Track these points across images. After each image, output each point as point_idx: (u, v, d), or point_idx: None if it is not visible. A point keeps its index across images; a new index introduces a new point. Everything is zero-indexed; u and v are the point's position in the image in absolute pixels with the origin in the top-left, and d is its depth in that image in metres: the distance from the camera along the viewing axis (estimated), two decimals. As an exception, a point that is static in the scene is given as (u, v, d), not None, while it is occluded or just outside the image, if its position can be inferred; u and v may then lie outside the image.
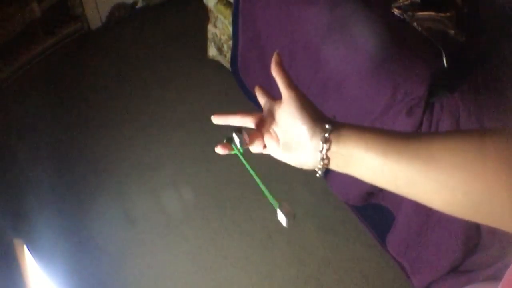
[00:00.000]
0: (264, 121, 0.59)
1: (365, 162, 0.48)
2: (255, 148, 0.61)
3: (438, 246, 1.31)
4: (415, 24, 1.27)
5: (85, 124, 1.97)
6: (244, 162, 0.60)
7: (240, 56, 1.86)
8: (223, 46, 2.04)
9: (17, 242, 1.35)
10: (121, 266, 1.58)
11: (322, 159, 0.51)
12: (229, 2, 1.84)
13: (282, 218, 0.59)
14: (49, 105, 2.02)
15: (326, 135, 0.50)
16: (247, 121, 0.61)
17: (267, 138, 0.58)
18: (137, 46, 2.31)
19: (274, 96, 0.60)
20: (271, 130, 0.58)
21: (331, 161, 0.51)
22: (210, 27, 2.04)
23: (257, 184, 0.61)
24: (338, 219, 1.71)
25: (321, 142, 0.50)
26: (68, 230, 1.64)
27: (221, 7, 1.89)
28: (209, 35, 2.08)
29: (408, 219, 1.35)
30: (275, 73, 0.56)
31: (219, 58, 2.12)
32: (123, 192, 1.76)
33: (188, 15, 2.42)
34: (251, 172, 0.61)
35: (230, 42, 1.92)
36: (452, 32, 1.25)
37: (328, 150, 0.50)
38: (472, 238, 1.23)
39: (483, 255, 1.27)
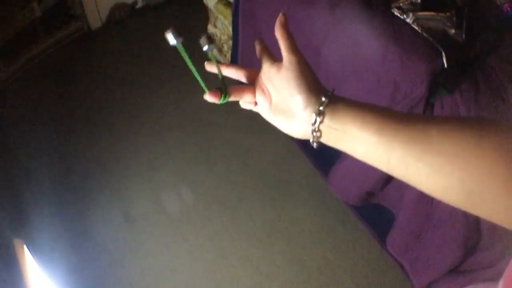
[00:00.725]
0: (259, 78, 0.56)
1: (358, 139, 0.47)
2: (245, 103, 0.58)
3: (438, 246, 1.31)
4: (415, 24, 1.27)
5: (85, 124, 1.97)
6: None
7: (240, 56, 1.86)
8: (223, 46, 2.04)
9: (17, 242, 1.35)
10: (121, 266, 1.58)
11: (314, 131, 0.49)
12: (229, 2, 1.84)
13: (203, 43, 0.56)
14: (49, 105, 2.02)
15: (321, 108, 0.48)
16: (241, 75, 0.58)
17: (259, 95, 0.56)
18: (137, 46, 2.31)
19: (274, 57, 0.57)
20: (264, 88, 0.55)
21: (322, 135, 0.50)
22: (210, 27, 2.04)
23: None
24: (338, 219, 1.71)
25: (314, 115, 0.48)
26: (68, 230, 1.64)
27: (221, 7, 1.89)
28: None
29: (408, 219, 1.35)
30: (279, 34, 0.54)
31: (219, 58, 2.12)
32: (123, 192, 1.76)
33: (188, 15, 2.42)
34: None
35: (230, 42, 1.92)
36: (452, 32, 1.25)
37: (321, 123, 0.48)
38: (471, 238, 1.23)
39: (483, 255, 1.27)
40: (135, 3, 2.44)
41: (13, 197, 1.71)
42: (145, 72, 2.18)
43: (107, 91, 2.09)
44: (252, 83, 0.58)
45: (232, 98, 0.57)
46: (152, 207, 1.73)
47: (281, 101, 0.53)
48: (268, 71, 0.54)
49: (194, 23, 2.31)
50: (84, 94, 2.08)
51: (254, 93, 0.57)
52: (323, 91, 0.50)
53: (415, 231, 1.35)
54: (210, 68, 0.59)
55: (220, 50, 2.08)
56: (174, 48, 0.53)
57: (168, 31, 0.51)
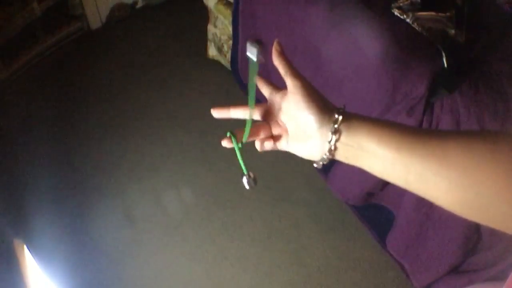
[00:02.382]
0: (271, 112, 0.57)
1: (377, 156, 0.47)
2: (266, 144, 0.58)
3: (438, 246, 1.31)
4: (415, 24, 1.27)
5: (85, 124, 1.97)
6: (237, 150, 0.57)
7: (240, 56, 1.86)
8: (223, 46, 2.04)
9: (17, 242, 1.35)
10: (121, 266, 1.58)
11: (330, 150, 0.49)
12: (229, 2, 1.84)
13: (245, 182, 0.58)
14: (49, 105, 2.02)
15: (336, 125, 0.48)
16: (252, 114, 0.58)
17: (275, 129, 0.56)
18: (137, 46, 2.31)
19: (277, 85, 0.58)
20: (279, 121, 0.56)
21: (339, 153, 0.49)
22: (210, 27, 2.04)
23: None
24: (338, 219, 1.71)
25: (330, 133, 0.48)
26: (68, 230, 1.64)
27: (221, 7, 1.89)
28: (209, 35, 2.08)
29: (408, 219, 1.35)
30: (277, 62, 0.54)
31: (219, 58, 2.12)
32: (123, 192, 1.76)
33: (188, 15, 2.42)
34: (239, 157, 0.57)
35: (230, 42, 1.92)
36: (452, 32, 1.25)
37: (337, 141, 0.48)
38: (472, 238, 1.23)
39: (483, 256, 1.27)
40: (135, 3, 2.44)
41: (13, 197, 1.71)
42: (145, 72, 2.18)
43: (107, 91, 2.09)
44: (265, 119, 0.58)
45: (250, 139, 0.58)
46: (152, 207, 1.73)
47: (297, 128, 0.53)
48: (274, 101, 0.55)
49: (194, 23, 2.31)
50: (84, 94, 2.08)
51: (269, 129, 0.57)
52: (335, 108, 0.51)
53: (415, 231, 1.35)
54: (218, 116, 0.59)
55: (220, 50, 2.08)
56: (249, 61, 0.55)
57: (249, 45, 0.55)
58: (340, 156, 0.50)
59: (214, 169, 1.84)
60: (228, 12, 1.85)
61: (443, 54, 1.20)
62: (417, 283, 1.44)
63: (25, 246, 1.37)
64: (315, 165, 0.53)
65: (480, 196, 0.42)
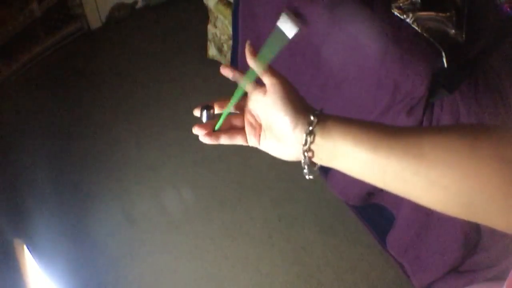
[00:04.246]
0: (247, 106, 0.56)
1: (353, 157, 0.46)
2: (233, 136, 0.57)
3: (438, 246, 1.31)
4: (415, 24, 1.27)
5: (85, 124, 1.97)
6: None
7: (240, 56, 1.86)
8: (223, 46, 2.04)
9: (17, 242, 1.35)
10: (121, 266, 1.58)
11: (306, 151, 0.48)
12: (229, 2, 1.84)
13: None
14: (49, 105, 2.02)
15: (310, 127, 0.47)
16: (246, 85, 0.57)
17: (247, 127, 0.55)
18: (137, 46, 2.31)
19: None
20: (253, 115, 0.55)
21: (314, 154, 0.49)
22: (210, 27, 2.04)
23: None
24: (338, 219, 1.71)
25: (304, 135, 0.48)
26: (68, 230, 1.64)
27: (221, 7, 1.89)
28: (209, 35, 2.08)
29: (408, 220, 1.35)
30: (252, 63, 0.53)
31: (219, 58, 2.12)
32: (123, 192, 1.76)
33: (188, 15, 2.42)
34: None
35: (230, 42, 1.92)
36: (452, 32, 1.25)
37: (312, 143, 0.48)
38: (472, 238, 1.23)
39: (483, 256, 1.27)
40: (135, 3, 2.44)
41: (13, 197, 1.71)
42: (145, 72, 2.18)
43: (107, 91, 2.09)
44: (240, 112, 0.58)
45: (223, 127, 0.57)
46: (152, 207, 1.73)
47: (270, 126, 0.52)
48: (254, 97, 0.54)
49: (194, 23, 2.31)
50: (84, 94, 2.08)
51: (243, 121, 0.56)
52: (311, 110, 0.50)
53: (415, 231, 1.35)
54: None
55: (220, 50, 2.08)
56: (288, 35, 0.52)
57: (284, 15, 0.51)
58: (315, 158, 0.49)
59: (214, 169, 1.84)
60: (228, 12, 1.85)
61: (443, 54, 1.19)
62: (417, 283, 1.44)
63: (25, 246, 1.37)
64: (304, 171, 0.51)
65: (461, 193, 0.42)
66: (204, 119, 0.57)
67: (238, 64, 1.90)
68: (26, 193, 1.71)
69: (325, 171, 1.62)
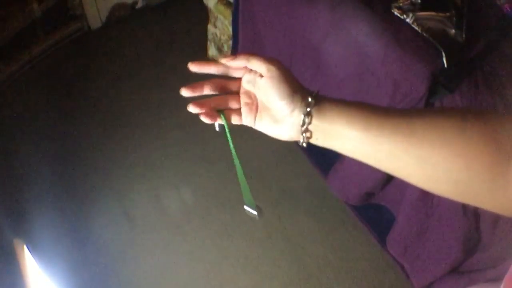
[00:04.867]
0: (243, 86, 0.55)
1: (346, 136, 0.48)
2: (233, 119, 0.56)
3: (438, 246, 1.31)
4: (415, 24, 1.27)
5: (85, 124, 1.97)
6: (233, 150, 0.58)
7: (240, 56, 1.86)
8: (223, 46, 2.04)
9: (17, 242, 1.35)
10: (121, 266, 1.58)
11: (304, 132, 0.50)
12: (229, 2, 1.84)
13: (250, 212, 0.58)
14: (49, 105, 2.02)
15: (308, 109, 0.49)
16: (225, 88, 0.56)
17: (244, 107, 0.55)
18: (137, 46, 2.31)
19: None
20: (247, 98, 0.55)
21: (312, 135, 0.50)
22: (210, 27, 2.04)
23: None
24: (338, 219, 1.71)
25: (302, 116, 0.49)
26: (68, 230, 1.64)
27: (221, 7, 1.89)
28: (209, 35, 2.08)
29: (408, 220, 1.35)
30: (243, 60, 0.52)
31: (219, 58, 2.12)
32: (123, 192, 1.76)
33: (188, 15, 2.42)
34: (237, 165, 0.58)
35: (230, 42, 1.92)
36: (452, 32, 1.25)
37: (309, 123, 0.49)
38: (471, 238, 1.23)
39: (483, 256, 1.27)
40: (135, 3, 2.44)
41: (13, 197, 1.71)
42: (145, 72, 2.18)
43: (107, 91, 2.09)
44: (236, 92, 0.57)
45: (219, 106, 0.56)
46: (152, 207, 1.73)
47: (267, 107, 0.52)
48: (248, 78, 0.53)
49: (194, 23, 2.31)
50: (84, 94, 2.08)
51: (238, 101, 0.56)
52: (308, 92, 0.51)
53: (415, 231, 1.35)
54: (188, 94, 0.56)
55: (220, 50, 2.08)
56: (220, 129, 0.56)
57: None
58: (312, 139, 0.51)
59: (214, 169, 1.84)
60: (228, 12, 1.85)
61: (443, 54, 1.19)
62: (417, 283, 1.44)
63: (25, 246, 1.37)
64: (302, 145, 0.52)
65: (448, 172, 0.43)
66: (217, 128, 0.57)
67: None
68: (26, 193, 1.71)
69: (325, 171, 1.62)
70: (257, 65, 0.51)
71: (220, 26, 1.98)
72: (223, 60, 0.55)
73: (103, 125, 1.96)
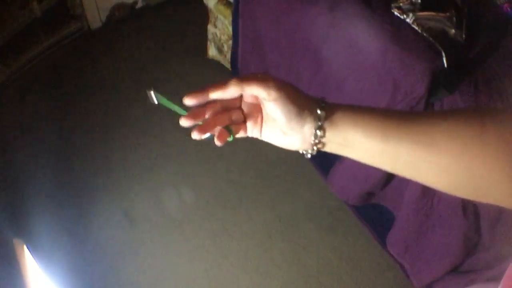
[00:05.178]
0: (246, 102, 0.51)
1: (364, 147, 0.46)
2: (240, 132, 0.52)
3: (438, 246, 1.31)
4: (415, 24, 1.27)
5: (85, 124, 1.97)
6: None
7: (240, 56, 1.86)
8: (223, 46, 2.04)
9: (17, 242, 1.35)
10: (121, 265, 1.58)
11: (316, 144, 0.48)
12: (229, 2, 1.84)
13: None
14: (49, 105, 2.02)
15: (319, 123, 0.46)
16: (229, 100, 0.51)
17: (250, 122, 0.51)
18: (136, 46, 2.31)
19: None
20: (251, 109, 0.51)
21: (324, 146, 0.49)
22: (210, 27, 2.04)
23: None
24: (338, 219, 1.71)
25: (314, 130, 0.47)
26: (68, 230, 1.64)
27: (221, 7, 1.89)
28: (209, 35, 2.08)
29: (408, 220, 1.35)
30: (238, 88, 0.46)
31: (219, 58, 2.12)
32: (123, 192, 1.76)
33: (188, 15, 2.42)
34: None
35: (230, 42, 1.92)
36: (452, 32, 1.25)
37: (322, 137, 0.47)
38: (471, 238, 1.23)
39: (483, 256, 1.27)
40: (135, 3, 2.44)
41: (13, 197, 1.71)
42: (145, 72, 2.18)
43: (107, 91, 2.09)
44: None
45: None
46: (152, 207, 1.73)
47: (276, 121, 0.48)
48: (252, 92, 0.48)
49: (194, 23, 2.31)
50: (84, 94, 2.07)
51: (241, 114, 0.52)
52: (315, 103, 0.47)
53: (415, 231, 1.35)
54: (192, 103, 0.53)
55: (220, 50, 2.08)
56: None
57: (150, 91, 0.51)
58: (326, 149, 0.49)
59: (214, 169, 1.84)
60: (228, 12, 1.85)
61: (443, 54, 1.20)
62: (417, 283, 1.44)
63: (25, 246, 1.37)
64: (307, 156, 0.50)
65: (472, 179, 0.44)
66: (154, 100, 0.54)
67: (238, 64, 1.90)
68: (26, 193, 1.71)
69: (325, 171, 1.62)
70: (255, 91, 0.45)
71: (220, 26, 1.98)
72: (212, 95, 0.48)
73: (102, 125, 1.96)
